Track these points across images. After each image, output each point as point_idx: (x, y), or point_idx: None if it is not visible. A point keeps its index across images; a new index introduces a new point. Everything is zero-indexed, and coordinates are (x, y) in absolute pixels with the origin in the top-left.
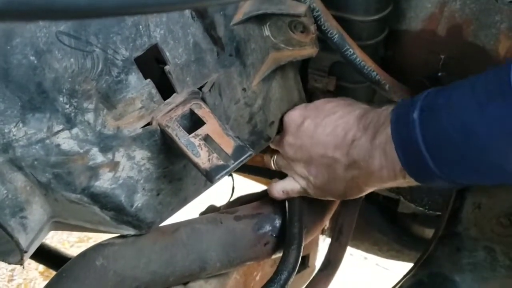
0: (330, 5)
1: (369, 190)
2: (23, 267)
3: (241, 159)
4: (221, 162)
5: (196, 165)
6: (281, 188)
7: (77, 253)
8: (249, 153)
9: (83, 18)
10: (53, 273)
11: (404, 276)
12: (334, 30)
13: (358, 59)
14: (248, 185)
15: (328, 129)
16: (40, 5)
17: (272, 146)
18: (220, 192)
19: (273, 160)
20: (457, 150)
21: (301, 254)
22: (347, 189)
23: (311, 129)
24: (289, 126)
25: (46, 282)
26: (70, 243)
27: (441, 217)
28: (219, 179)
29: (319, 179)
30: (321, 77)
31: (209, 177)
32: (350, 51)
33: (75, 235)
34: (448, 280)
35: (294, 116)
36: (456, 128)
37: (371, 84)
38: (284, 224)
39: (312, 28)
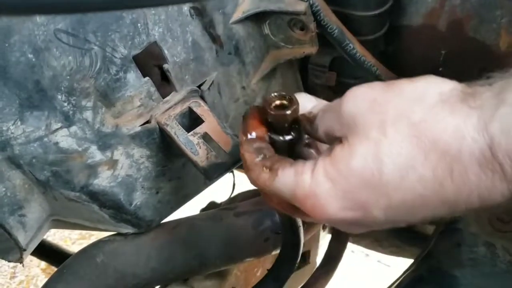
0: (330, 0)
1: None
2: (23, 265)
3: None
4: (220, 160)
5: (194, 164)
6: None
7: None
8: None
9: (78, 12)
10: (55, 270)
11: (405, 272)
12: (334, 25)
13: (358, 54)
14: (249, 181)
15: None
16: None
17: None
18: (221, 189)
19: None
20: None
21: (301, 249)
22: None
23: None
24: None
25: None
26: (72, 240)
27: None
28: (217, 177)
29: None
30: (321, 73)
31: (207, 175)
32: (350, 46)
33: (77, 232)
34: (448, 275)
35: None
36: None
37: (371, 80)
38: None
39: (312, 26)
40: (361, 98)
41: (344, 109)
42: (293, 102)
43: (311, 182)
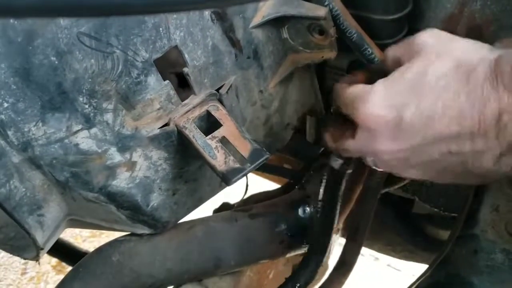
0: (349, 4)
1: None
2: (39, 262)
3: (258, 162)
4: (238, 165)
5: (212, 167)
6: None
7: (90, 248)
8: (266, 156)
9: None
10: (65, 267)
11: (420, 277)
12: (353, 29)
13: (376, 59)
14: (261, 183)
15: (441, 119)
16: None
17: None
18: (234, 190)
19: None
20: None
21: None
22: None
23: (419, 124)
24: (381, 130)
25: (58, 276)
26: (83, 237)
27: (457, 218)
28: (235, 181)
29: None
30: (339, 76)
31: (226, 179)
32: (369, 51)
33: (88, 230)
34: (466, 282)
35: (381, 115)
36: None
37: None
38: (300, 223)
39: (331, 31)
40: (432, 36)
41: (416, 40)
42: None
43: (369, 88)
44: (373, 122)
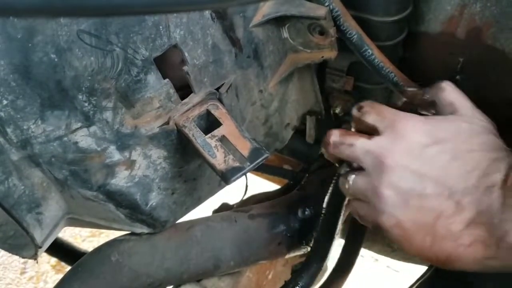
0: (350, 5)
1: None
2: (37, 261)
3: (257, 161)
4: (237, 164)
5: (212, 166)
6: (354, 210)
7: (89, 247)
8: (265, 155)
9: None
10: (65, 266)
11: (419, 279)
12: (353, 30)
13: (376, 60)
14: (261, 183)
15: (467, 167)
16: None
17: (358, 157)
18: (233, 190)
19: (348, 180)
20: None
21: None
22: (440, 253)
23: (444, 160)
24: (408, 142)
25: (58, 276)
26: (82, 237)
27: None
28: (234, 180)
29: (413, 226)
30: (339, 77)
31: (225, 178)
32: (369, 52)
33: (88, 229)
34: (466, 283)
35: (417, 132)
36: None
37: (388, 86)
38: (299, 225)
39: (332, 31)
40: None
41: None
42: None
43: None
44: (409, 131)
